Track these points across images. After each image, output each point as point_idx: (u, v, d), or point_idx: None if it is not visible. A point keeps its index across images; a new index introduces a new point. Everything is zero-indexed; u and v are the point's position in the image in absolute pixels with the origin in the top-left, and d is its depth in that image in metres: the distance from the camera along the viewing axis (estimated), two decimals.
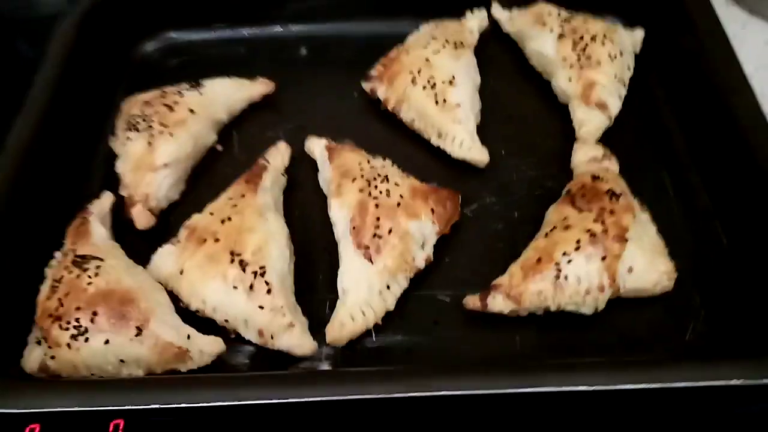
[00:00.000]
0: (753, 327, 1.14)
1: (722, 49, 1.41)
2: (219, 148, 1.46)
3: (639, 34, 1.57)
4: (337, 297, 1.18)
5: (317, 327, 1.16)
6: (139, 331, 1.06)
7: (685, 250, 1.24)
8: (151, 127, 1.33)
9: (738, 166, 1.28)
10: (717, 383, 0.98)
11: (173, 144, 1.32)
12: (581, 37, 1.47)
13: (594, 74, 1.43)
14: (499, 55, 1.63)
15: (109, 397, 0.99)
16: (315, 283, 1.23)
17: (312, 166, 1.41)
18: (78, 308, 1.07)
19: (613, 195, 1.20)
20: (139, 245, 1.26)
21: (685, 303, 1.20)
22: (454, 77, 1.41)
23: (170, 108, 1.37)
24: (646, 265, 1.16)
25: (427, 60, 1.44)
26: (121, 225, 1.31)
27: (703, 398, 1.10)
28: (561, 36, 1.49)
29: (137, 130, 1.34)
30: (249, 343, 1.15)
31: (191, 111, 1.38)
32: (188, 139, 1.35)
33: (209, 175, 1.42)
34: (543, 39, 1.52)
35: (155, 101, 1.38)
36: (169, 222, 1.34)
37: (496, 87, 1.55)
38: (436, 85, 1.40)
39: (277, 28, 1.69)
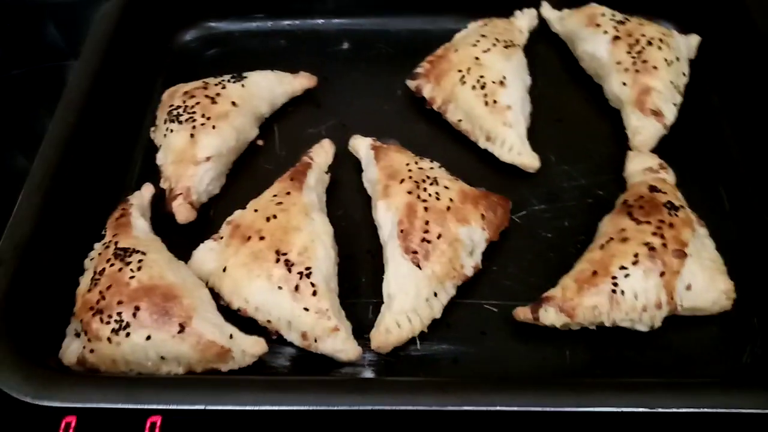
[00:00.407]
0: None
1: None
2: (260, 142, 1.42)
3: (694, 39, 1.52)
4: (380, 301, 1.15)
5: (359, 331, 1.13)
6: (182, 328, 1.03)
7: (742, 268, 1.19)
8: (193, 119, 1.30)
9: None
10: None
11: (216, 137, 1.29)
12: (637, 41, 1.43)
13: (650, 80, 1.38)
14: (547, 56, 1.59)
15: (150, 395, 0.97)
16: (358, 287, 1.20)
17: (354, 164, 1.37)
18: (120, 302, 1.04)
19: (672, 207, 1.16)
20: (177, 239, 1.24)
21: (743, 324, 1.15)
22: (504, 78, 1.37)
23: (213, 100, 1.34)
24: (706, 283, 1.11)
25: (477, 59, 1.40)
26: (160, 218, 1.28)
27: (752, 425, 1.06)
28: (616, 38, 1.44)
29: (179, 121, 1.31)
30: (290, 345, 1.12)
31: (234, 104, 1.35)
32: (231, 132, 1.32)
33: (250, 170, 1.39)
34: (596, 41, 1.47)
35: (197, 92, 1.36)
36: (209, 217, 1.31)
37: (545, 89, 1.51)
38: (486, 86, 1.36)
39: (319, 21, 1.66)
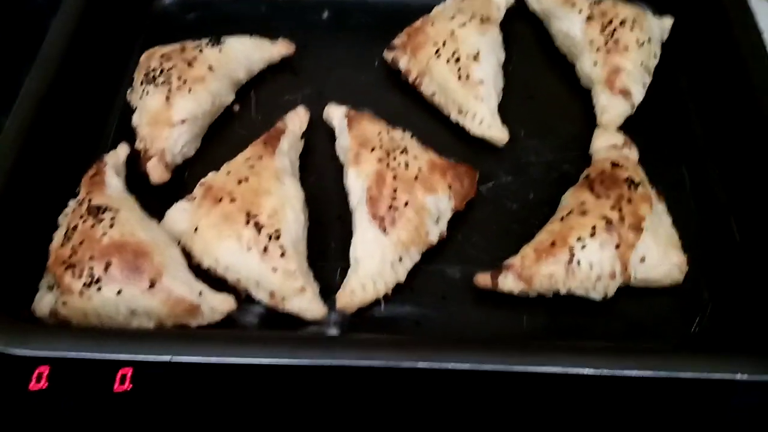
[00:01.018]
0: (759, 325, 1.15)
1: (754, 43, 1.39)
2: (236, 108, 1.44)
3: (668, 22, 1.54)
4: (348, 265, 1.18)
5: (327, 293, 1.16)
6: (152, 284, 1.07)
7: (697, 243, 1.25)
8: (169, 81, 1.32)
9: (757, 163, 1.28)
10: (722, 376, 0.99)
11: (192, 100, 1.31)
12: (610, 21, 1.45)
13: (620, 60, 1.41)
14: (522, 33, 1.61)
15: (120, 346, 1.00)
16: (327, 250, 1.23)
17: (328, 132, 1.40)
18: (92, 257, 1.07)
19: (631, 183, 1.20)
20: (151, 200, 1.26)
21: (694, 296, 1.21)
22: (479, 52, 1.40)
23: (189, 64, 1.35)
24: (659, 256, 1.16)
25: (453, 33, 1.42)
26: (134, 178, 1.30)
27: (701, 390, 1.12)
28: (590, 18, 1.47)
29: (155, 84, 1.32)
30: (259, 303, 1.15)
31: (210, 68, 1.36)
32: (207, 96, 1.34)
33: (225, 135, 1.41)
34: (571, 20, 1.49)
35: (175, 55, 1.37)
36: (183, 178, 1.33)
37: (519, 65, 1.53)
38: (460, 59, 1.38)
39: None
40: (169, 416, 1.08)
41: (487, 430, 1.10)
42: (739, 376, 0.98)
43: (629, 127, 1.40)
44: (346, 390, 1.09)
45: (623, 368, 0.99)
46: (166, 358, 0.97)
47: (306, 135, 1.37)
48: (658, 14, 1.54)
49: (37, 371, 1.11)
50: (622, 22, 1.45)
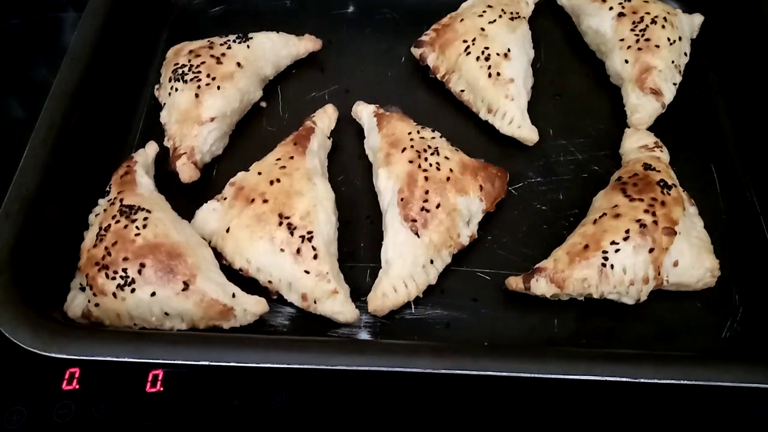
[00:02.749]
0: None
1: None
2: (263, 104, 1.43)
3: (698, 19, 1.53)
4: (378, 266, 1.18)
5: (357, 294, 1.17)
6: (186, 286, 1.06)
7: (727, 247, 1.24)
8: (198, 78, 1.31)
9: None
10: (752, 385, 0.99)
11: (221, 98, 1.30)
12: (641, 18, 1.43)
13: (651, 58, 1.39)
14: (551, 29, 1.60)
15: (154, 349, 1.00)
16: (357, 251, 1.23)
17: (355, 130, 1.39)
18: (125, 258, 1.07)
19: (664, 186, 1.19)
20: (180, 198, 1.26)
21: (725, 300, 1.20)
22: (509, 50, 1.38)
23: (218, 60, 1.34)
24: (692, 260, 1.15)
25: (483, 30, 1.40)
26: (162, 176, 1.30)
27: (726, 398, 1.12)
28: (621, 15, 1.45)
29: (184, 80, 1.31)
30: (290, 305, 1.16)
31: (239, 65, 1.35)
32: (236, 93, 1.33)
33: (253, 132, 1.40)
34: (601, 16, 1.47)
35: (203, 52, 1.36)
36: (212, 177, 1.33)
37: (547, 62, 1.52)
38: (490, 57, 1.37)
39: None
40: (199, 418, 1.08)
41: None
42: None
43: (658, 126, 1.38)
44: (378, 393, 1.10)
45: (659, 377, 0.99)
46: (203, 362, 0.97)
47: (333, 133, 1.36)
48: (688, 11, 1.52)
49: (68, 372, 1.12)
50: (654, 20, 1.43)
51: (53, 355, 0.99)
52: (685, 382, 0.98)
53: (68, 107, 1.23)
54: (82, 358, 1.00)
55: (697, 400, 1.11)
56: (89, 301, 1.09)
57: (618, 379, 0.97)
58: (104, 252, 1.08)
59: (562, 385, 1.10)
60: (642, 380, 0.97)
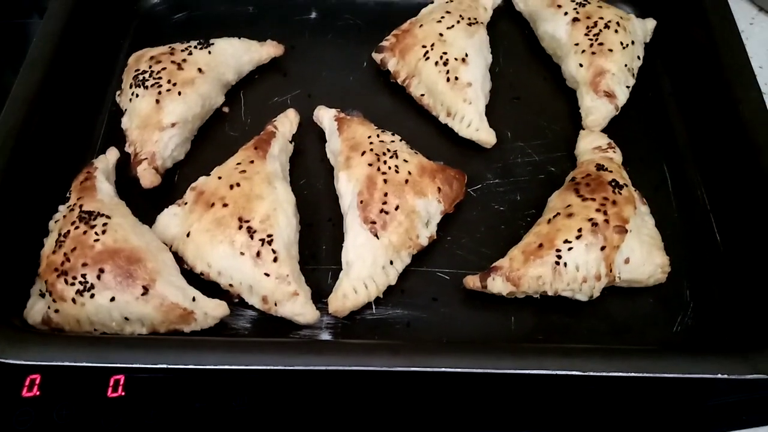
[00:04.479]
0: (740, 324, 1.19)
1: (733, 44, 1.42)
2: (225, 110, 1.44)
3: (651, 23, 1.57)
4: (339, 268, 1.20)
5: (318, 296, 1.18)
6: (146, 290, 1.07)
7: (679, 244, 1.28)
8: (159, 84, 1.32)
9: (738, 163, 1.31)
10: (703, 376, 1.03)
11: (182, 103, 1.31)
12: (595, 23, 1.47)
13: (605, 62, 1.43)
14: (509, 34, 1.63)
15: (114, 354, 1.01)
16: (318, 254, 1.25)
17: (318, 134, 1.41)
18: (84, 264, 1.07)
19: (616, 186, 1.23)
20: (141, 204, 1.26)
21: (676, 296, 1.24)
22: (467, 55, 1.41)
23: (179, 66, 1.35)
24: (643, 257, 1.19)
25: (441, 35, 1.43)
26: (123, 182, 1.30)
27: (682, 389, 1.16)
28: (575, 20, 1.49)
29: (145, 86, 1.32)
30: (251, 308, 1.17)
31: (200, 70, 1.36)
32: (197, 99, 1.34)
33: (215, 137, 1.41)
34: (556, 22, 1.51)
35: (164, 58, 1.36)
36: (173, 182, 1.34)
37: (505, 66, 1.56)
38: (448, 62, 1.40)
39: None
40: (162, 422, 1.09)
41: (478, 427, 1.13)
42: (719, 376, 1.01)
43: (612, 128, 1.42)
44: (339, 393, 1.11)
45: (609, 370, 1.01)
46: (162, 365, 0.97)
47: (295, 137, 1.38)
48: (641, 16, 1.57)
49: (28, 379, 1.12)
50: (607, 25, 1.47)
51: (12, 361, 0.98)
52: (634, 374, 1.01)
53: (28, 112, 1.23)
54: (41, 363, 1.00)
55: (658, 392, 1.15)
56: (49, 308, 1.09)
57: (568, 372, 1.00)
58: (63, 258, 1.09)
59: (521, 381, 1.13)
60: (591, 373, 1.00)
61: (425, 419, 1.12)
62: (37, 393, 1.11)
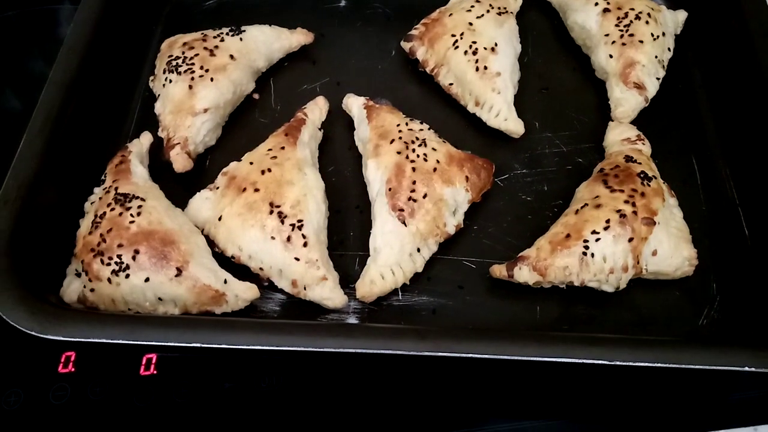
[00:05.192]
0: (766, 318, 1.18)
1: (767, 37, 1.40)
2: (256, 96, 1.46)
3: (682, 15, 1.56)
4: (366, 254, 1.21)
5: (346, 281, 1.20)
6: (179, 272, 1.10)
7: (706, 237, 1.28)
8: (192, 70, 1.34)
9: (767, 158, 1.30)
10: (729, 368, 1.03)
11: (214, 89, 1.33)
12: (626, 14, 1.46)
13: (635, 53, 1.42)
14: (538, 24, 1.63)
15: (148, 332, 1.03)
16: (346, 240, 1.27)
17: (346, 122, 1.42)
18: (120, 245, 1.10)
19: (645, 178, 1.23)
20: (174, 187, 1.29)
21: (702, 288, 1.24)
22: (496, 44, 1.41)
23: (211, 52, 1.37)
24: (671, 249, 1.19)
25: (471, 24, 1.43)
26: (156, 165, 1.33)
27: (705, 382, 1.16)
28: (606, 10, 1.48)
29: (178, 72, 1.34)
30: (281, 291, 1.19)
31: (232, 57, 1.38)
32: (229, 85, 1.36)
33: (245, 123, 1.43)
34: (587, 12, 1.50)
35: (197, 44, 1.38)
36: (204, 167, 1.36)
37: (534, 56, 1.55)
38: (477, 51, 1.40)
39: None
40: (192, 401, 1.12)
41: (500, 413, 1.15)
42: (746, 369, 1.01)
43: (641, 120, 1.42)
44: (365, 376, 1.13)
45: (636, 360, 1.02)
46: (195, 344, 1.00)
47: (324, 124, 1.39)
48: (672, 8, 1.55)
49: (64, 356, 1.15)
50: (638, 16, 1.46)
51: (50, 337, 1.01)
52: (659, 365, 1.01)
53: (64, 97, 1.26)
54: (77, 340, 1.02)
55: (680, 385, 1.15)
56: (85, 287, 1.12)
57: (594, 361, 1.01)
58: (99, 239, 1.11)
59: (544, 369, 1.14)
60: (617, 363, 1.01)
61: (447, 405, 1.13)
62: (72, 369, 1.14)
